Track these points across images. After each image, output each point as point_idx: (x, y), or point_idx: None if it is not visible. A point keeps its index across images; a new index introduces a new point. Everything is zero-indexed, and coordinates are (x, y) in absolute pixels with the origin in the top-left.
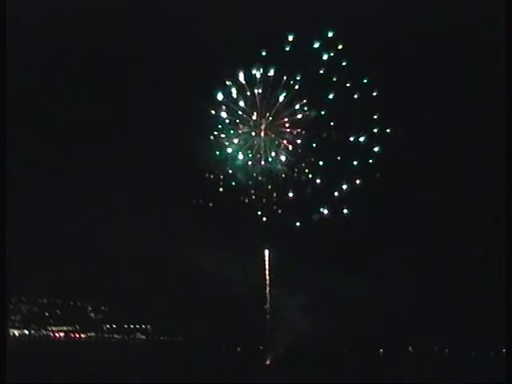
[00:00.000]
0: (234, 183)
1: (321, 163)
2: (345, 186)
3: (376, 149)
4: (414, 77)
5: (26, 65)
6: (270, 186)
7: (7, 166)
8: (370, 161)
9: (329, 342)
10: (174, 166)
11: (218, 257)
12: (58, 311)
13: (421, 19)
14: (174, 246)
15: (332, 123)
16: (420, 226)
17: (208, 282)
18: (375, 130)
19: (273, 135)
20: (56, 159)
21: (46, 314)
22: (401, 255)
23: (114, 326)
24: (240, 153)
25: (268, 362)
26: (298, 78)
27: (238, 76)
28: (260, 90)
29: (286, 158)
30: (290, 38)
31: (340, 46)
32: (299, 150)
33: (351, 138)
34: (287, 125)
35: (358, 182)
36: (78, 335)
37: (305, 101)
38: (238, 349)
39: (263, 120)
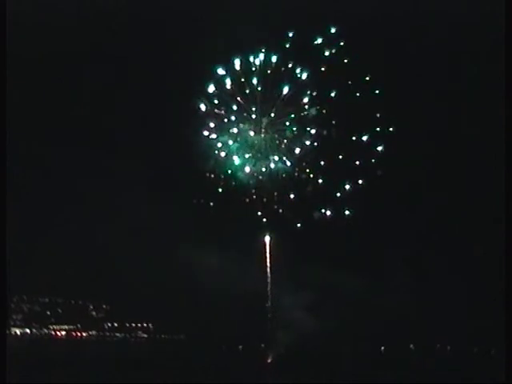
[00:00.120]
0: (234, 182)
1: (322, 162)
2: (347, 186)
3: (379, 148)
4: (414, 76)
5: (26, 65)
6: (270, 185)
7: (7, 166)
8: (373, 160)
9: (330, 340)
10: (174, 165)
11: (220, 255)
12: (60, 310)
13: (421, 19)
14: (175, 244)
15: (333, 121)
16: (421, 225)
17: (209, 281)
18: (378, 129)
19: (275, 135)
20: (56, 159)
21: (48, 313)
22: (402, 254)
23: (116, 325)
24: (240, 152)
25: (269, 361)
26: (303, 69)
27: (233, 64)
28: (260, 81)
29: (287, 156)
30: (290, 34)
31: (341, 44)
32: (300, 149)
33: (353, 137)
34: (288, 123)
35: (360, 181)
36: (79, 334)
37: (314, 93)
38: (240, 347)
39: (264, 119)
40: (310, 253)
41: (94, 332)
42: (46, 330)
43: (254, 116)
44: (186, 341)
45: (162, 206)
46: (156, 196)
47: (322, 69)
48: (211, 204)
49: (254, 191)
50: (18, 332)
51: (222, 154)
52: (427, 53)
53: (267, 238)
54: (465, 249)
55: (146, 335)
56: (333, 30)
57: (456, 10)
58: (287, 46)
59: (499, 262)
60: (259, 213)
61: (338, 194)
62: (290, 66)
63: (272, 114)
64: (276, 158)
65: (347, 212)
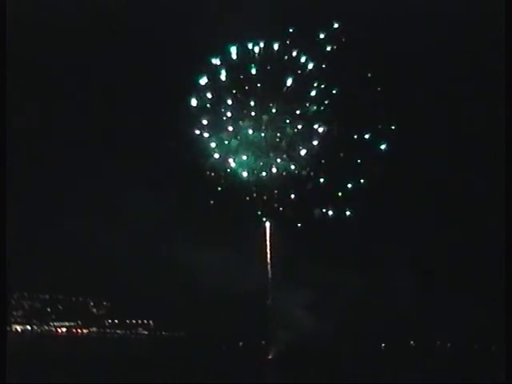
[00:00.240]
0: (234, 181)
1: (323, 161)
2: (349, 185)
3: (383, 146)
4: (414, 76)
5: (26, 65)
6: (270, 184)
7: (7, 166)
8: (375, 159)
9: (330, 338)
10: (173, 164)
11: (220, 253)
12: (60, 307)
13: (421, 19)
14: (175, 242)
15: (335, 119)
16: (421, 224)
17: (210, 278)
18: (380, 127)
19: (276, 133)
20: (57, 158)
21: (48, 310)
22: (403, 253)
23: (116, 321)
24: (240, 150)
25: (270, 357)
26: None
27: (229, 53)
28: (259, 72)
29: (288, 154)
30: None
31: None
32: (300, 147)
33: (355, 136)
34: (288, 120)
35: (362, 180)
36: (79, 330)
37: (323, 86)
38: (240, 344)
39: (264, 116)
40: (310, 251)
41: (94, 329)
42: (46, 327)
43: (253, 113)
44: (186, 338)
45: (163, 205)
46: (156, 195)
47: (323, 66)
48: (211, 202)
49: (254, 189)
50: (18, 329)
51: (216, 155)
52: (427, 52)
53: (267, 230)
54: (465, 247)
55: (146, 332)
56: (334, 27)
57: (456, 10)
58: (291, 31)
59: (499, 260)
60: (260, 211)
61: (340, 194)
62: (294, 54)
63: (273, 110)
64: (277, 157)
65: (348, 213)
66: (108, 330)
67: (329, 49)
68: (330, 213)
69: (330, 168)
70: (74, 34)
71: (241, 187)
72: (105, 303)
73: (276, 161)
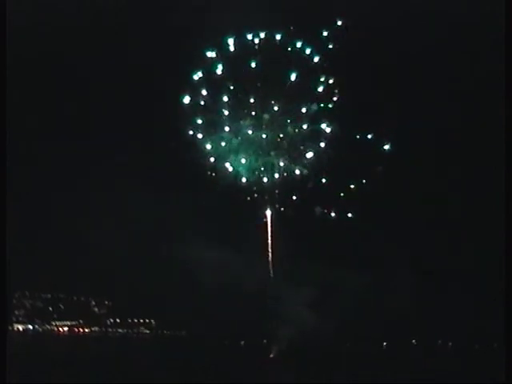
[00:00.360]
0: (235, 181)
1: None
2: (352, 186)
3: (386, 147)
4: (414, 77)
5: (26, 65)
6: (271, 182)
7: (7, 165)
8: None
9: (331, 337)
10: (173, 163)
11: (222, 251)
12: (62, 306)
13: (422, 19)
14: (177, 241)
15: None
16: (422, 223)
17: (211, 277)
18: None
19: (279, 134)
20: (57, 158)
21: (50, 309)
22: (404, 252)
23: (118, 321)
24: (241, 149)
25: (271, 356)
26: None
27: (226, 45)
28: (260, 66)
29: (290, 155)
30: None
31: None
32: (302, 147)
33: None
34: (292, 120)
35: (364, 181)
36: (81, 330)
37: (331, 81)
38: (242, 342)
39: (265, 115)
40: (311, 251)
41: (96, 328)
42: (48, 326)
43: (253, 112)
44: (187, 337)
45: (163, 205)
46: (156, 195)
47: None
48: (212, 202)
49: (255, 188)
50: (20, 328)
51: (212, 159)
52: (427, 53)
53: (268, 229)
54: (465, 247)
55: (148, 331)
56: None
57: (456, 10)
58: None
59: (500, 260)
60: (260, 211)
61: (342, 194)
62: (298, 45)
63: (275, 108)
64: (278, 158)
65: (350, 215)
66: (110, 329)
67: (331, 46)
68: (333, 214)
69: (332, 169)
70: (72, 33)
71: (241, 187)
72: (106, 302)
73: (278, 163)
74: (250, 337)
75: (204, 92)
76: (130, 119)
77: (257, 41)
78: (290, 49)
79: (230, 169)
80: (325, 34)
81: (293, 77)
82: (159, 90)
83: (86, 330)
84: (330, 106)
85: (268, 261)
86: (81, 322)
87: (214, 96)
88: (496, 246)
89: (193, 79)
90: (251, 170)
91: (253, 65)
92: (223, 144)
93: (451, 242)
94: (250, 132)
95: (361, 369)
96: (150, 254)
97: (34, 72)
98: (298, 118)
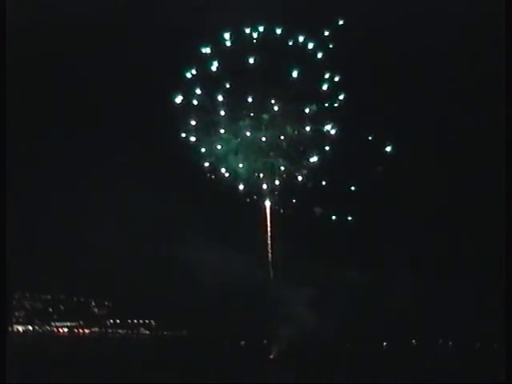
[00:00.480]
0: (234, 181)
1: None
2: (353, 188)
3: (388, 148)
4: (414, 78)
5: (26, 65)
6: (271, 183)
7: (7, 165)
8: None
9: (331, 337)
10: (174, 164)
11: (222, 252)
12: (62, 307)
13: (422, 19)
14: (177, 241)
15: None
16: (423, 223)
17: (211, 278)
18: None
19: (280, 136)
20: (58, 158)
21: (50, 310)
22: (404, 252)
23: (118, 321)
24: (239, 152)
25: (271, 356)
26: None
27: (222, 40)
28: (258, 63)
29: (288, 152)
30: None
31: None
32: (302, 148)
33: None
34: (290, 121)
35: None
36: (81, 330)
37: (337, 79)
38: (242, 343)
39: (265, 115)
40: (311, 251)
41: (96, 329)
42: (48, 327)
43: (251, 112)
44: (187, 338)
45: (164, 204)
46: (157, 194)
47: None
48: (212, 202)
49: (255, 188)
50: (20, 329)
51: (206, 163)
52: (427, 53)
53: (268, 229)
54: (466, 246)
55: (148, 332)
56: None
57: (456, 10)
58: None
59: (500, 259)
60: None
61: (342, 196)
62: (300, 40)
63: (275, 108)
64: (278, 161)
65: (350, 218)
66: (109, 330)
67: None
68: (333, 217)
69: (334, 171)
70: (72, 33)
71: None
72: (106, 303)
73: (278, 167)
74: (250, 337)
75: (198, 91)
76: (130, 119)
77: (255, 35)
78: (291, 43)
79: (227, 174)
80: (326, 33)
81: (294, 74)
82: (159, 90)
83: (86, 331)
84: (336, 105)
85: (268, 261)
86: (81, 322)
87: (209, 95)
88: (496, 246)
89: (185, 77)
90: (250, 171)
91: (251, 61)
92: (219, 147)
93: (451, 241)
94: (248, 134)
95: (361, 369)
96: (149, 254)
97: (34, 72)
98: (300, 119)
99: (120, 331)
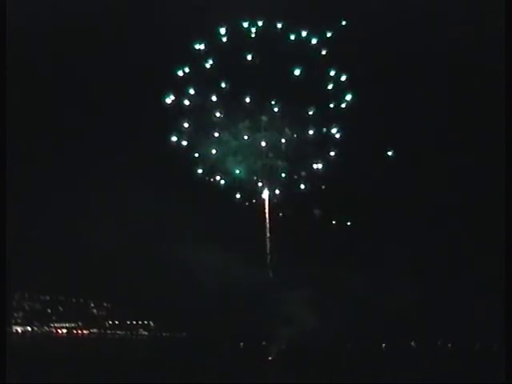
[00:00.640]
0: (233, 182)
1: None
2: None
3: (390, 153)
4: (413, 78)
5: (26, 65)
6: (271, 184)
7: (7, 166)
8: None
9: (331, 337)
10: (174, 164)
11: (221, 253)
12: (61, 308)
13: (421, 19)
14: (176, 242)
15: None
16: (422, 223)
17: (210, 278)
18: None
19: (281, 140)
20: (58, 158)
21: (49, 311)
22: (404, 252)
23: (117, 323)
24: (240, 152)
25: (270, 358)
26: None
27: (217, 35)
28: (257, 60)
29: (287, 155)
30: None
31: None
32: (302, 152)
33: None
34: (291, 124)
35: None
36: (80, 332)
37: (344, 78)
38: (241, 344)
39: (264, 117)
40: (311, 250)
41: (95, 330)
42: (47, 328)
43: (249, 113)
44: (187, 339)
45: (164, 204)
46: (157, 195)
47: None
48: (212, 203)
49: (254, 189)
50: (19, 330)
51: (200, 170)
52: (427, 53)
53: (268, 229)
54: (466, 247)
55: (147, 333)
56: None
57: (456, 10)
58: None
59: (500, 260)
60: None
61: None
62: (303, 34)
63: (275, 109)
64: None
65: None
66: (108, 331)
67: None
68: (333, 222)
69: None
70: (72, 33)
71: (240, 187)
72: (105, 304)
73: (280, 174)
74: (250, 338)
75: (191, 91)
76: (130, 119)
77: (254, 30)
78: (292, 39)
79: (223, 181)
80: (329, 34)
81: (296, 72)
82: (159, 90)
83: (85, 332)
84: (343, 106)
85: (267, 261)
86: (80, 324)
87: (203, 95)
88: (496, 246)
89: (177, 75)
90: (249, 173)
91: (249, 58)
92: (214, 152)
93: (451, 242)
94: (245, 137)
95: (361, 369)
96: (149, 255)
97: (34, 72)
98: (303, 122)
99: (119, 332)
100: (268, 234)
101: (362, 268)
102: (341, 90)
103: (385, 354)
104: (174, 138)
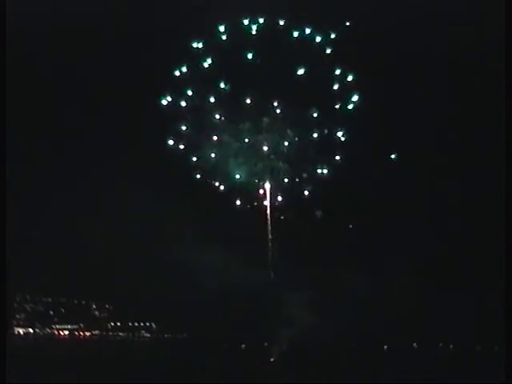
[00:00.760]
0: (233, 187)
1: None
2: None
3: (393, 156)
4: (413, 78)
5: (26, 65)
6: (271, 185)
7: (7, 166)
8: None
9: (331, 338)
10: (174, 165)
11: (221, 253)
12: (63, 310)
13: (421, 19)
14: (177, 243)
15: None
16: (423, 224)
17: (212, 279)
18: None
19: (284, 143)
20: (58, 158)
21: (51, 313)
22: (404, 253)
23: (119, 324)
24: (241, 152)
25: (272, 359)
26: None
27: (216, 33)
28: (258, 58)
29: (288, 155)
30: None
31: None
32: (304, 155)
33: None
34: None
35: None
36: (82, 333)
37: (350, 78)
38: (243, 346)
39: (265, 119)
40: (311, 251)
41: (97, 332)
42: (49, 330)
43: (249, 114)
44: (188, 340)
45: (163, 205)
46: (157, 195)
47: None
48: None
49: (254, 190)
50: (21, 332)
51: (198, 175)
52: (426, 53)
53: (268, 230)
54: (465, 247)
55: (149, 334)
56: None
57: (456, 10)
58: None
59: (500, 260)
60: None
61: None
62: (307, 31)
63: (278, 111)
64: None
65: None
66: (110, 333)
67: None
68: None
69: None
70: (72, 33)
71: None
72: (107, 306)
73: (282, 179)
74: (250, 339)
75: (189, 92)
76: (130, 119)
77: (255, 27)
78: (296, 36)
79: (222, 187)
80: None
81: (300, 71)
82: (160, 90)
83: (87, 334)
84: (350, 107)
85: (268, 262)
86: (81, 325)
87: (201, 96)
88: (496, 246)
89: (174, 75)
90: (250, 175)
91: (249, 57)
92: (213, 155)
93: (451, 242)
94: (247, 138)
95: (361, 369)
96: (149, 255)
97: (34, 72)
98: (306, 123)
99: (121, 334)
100: (269, 235)
101: (362, 268)
102: (347, 90)
103: (385, 354)
104: (171, 142)
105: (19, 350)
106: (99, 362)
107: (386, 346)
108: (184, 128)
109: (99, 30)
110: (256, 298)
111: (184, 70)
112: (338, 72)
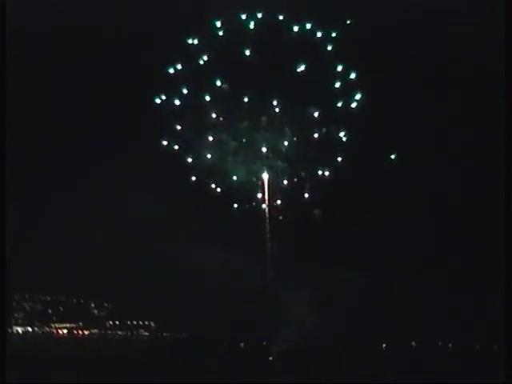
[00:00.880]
0: (233, 182)
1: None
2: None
3: (393, 156)
4: (412, 78)
5: (26, 65)
6: (270, 184)
7: (7, 166)
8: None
9: (331, 337)
10: (174, 165)
11: (222, 253)
12: (61, 308)
13: (421, 19)
14: (176, 243)
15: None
16: (422, 223)
17: (211, 279)
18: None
19: (281, 142)
20: (58, 158)
21: (49, 311)
22: (404, 252)
23: (117, 323)
24: (239, 151)
25: (271, 358)
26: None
27: (213, 29)
28: (256, 55)
29: (287, 154)
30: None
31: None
32: (304, 155)
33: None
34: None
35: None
36: (81, 332)
37: (353, 76)
38: (241, 345)
39: (263, 118)
40: (311, 250)
41: (95, 330)
42: (47, 329)
43: (247, 113)
44: (187, 339)
45: (163, 205)
46: (157, 195)
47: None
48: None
49: (254, 189)
50: (19, 330)
51: (193, 177)
52: (426, 53)
53: (268, 230)
54: (465, 247)
55: (147, 333)
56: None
57: (456, 10)
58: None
59: (500, 260)
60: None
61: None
62: (308, 27)
63: (277, 110)
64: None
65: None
66: (109, 332)
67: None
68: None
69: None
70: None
71: (240, 188)
72: (106, 304)
73: (282, 181)
74: (250, 339)
75: (184, 90)
76: (130, 119)
77: (252, 23)
78: (295, 31)
79: (219, 189)
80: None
81: (300, 68)
82: (160, 90)
83: (86, 333)
84: (353, 106)
85: (268, 262)
86: (80, 324)
87: (197, 95)
88: (496, 246)
89: (168, 72)
90: (249, 174)
91: (247, 53)
92: (209, 156)
93: (451, 242)
94: (245, 138)
95: (361, 369)
96: (149, 255)
97: (34, 72)
98: (306, 123)
99: (119, 333)
100: (268, 235)
101: (362, 268)
102: (349, 88)
103: (385, 353)
104: (165, 143)
105: (18, 348)
106: (98, 360)
107: (385, 346)
108: (179, 128)
109: (99, 30)
110: (255, 298)
111: (179, 67)
112: (339, 69)
